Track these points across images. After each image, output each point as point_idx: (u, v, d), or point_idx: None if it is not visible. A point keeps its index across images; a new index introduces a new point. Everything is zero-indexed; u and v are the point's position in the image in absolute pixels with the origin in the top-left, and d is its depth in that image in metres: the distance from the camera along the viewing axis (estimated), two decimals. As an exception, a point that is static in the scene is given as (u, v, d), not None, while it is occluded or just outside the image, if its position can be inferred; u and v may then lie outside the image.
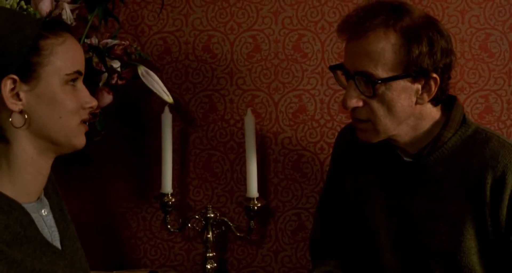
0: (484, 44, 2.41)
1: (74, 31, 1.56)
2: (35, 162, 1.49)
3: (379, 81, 1.73)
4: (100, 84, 2.16)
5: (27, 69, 1.43)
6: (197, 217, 2.45)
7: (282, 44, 2.48)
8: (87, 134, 1.57)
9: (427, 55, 1.73)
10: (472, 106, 2.43)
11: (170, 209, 2.43)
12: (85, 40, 2.16)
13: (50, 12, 2.02)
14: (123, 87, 2.23)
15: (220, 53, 2.50)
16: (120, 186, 2.59)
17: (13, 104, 1.43)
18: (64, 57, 1.48)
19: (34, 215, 1.49)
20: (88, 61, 2.05)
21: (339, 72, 1.89)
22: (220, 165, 2.56)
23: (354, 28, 1.77)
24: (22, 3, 1.93)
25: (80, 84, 1.53)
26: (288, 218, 2.55)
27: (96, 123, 2.19)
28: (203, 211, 2.45)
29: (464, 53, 2.41)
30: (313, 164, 2.52)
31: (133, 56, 2.25)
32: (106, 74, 2.16)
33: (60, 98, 1.47)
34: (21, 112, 1.44)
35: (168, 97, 2.18)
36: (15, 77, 1.42)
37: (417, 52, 1.72)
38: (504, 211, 1.77)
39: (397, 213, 1.89)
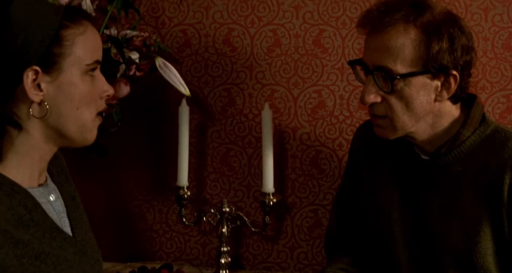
0: (507, 43, 2.38)
1: (94, 22, 1.55)
2: (41, 149, 1.49)
3: (398, 77, 1.72)
4: (118, 75, 2.15)
5: (49, 60, 1.43)
6: (212, 211, 2.44)
7: (303, 39, 2.46)
8: (102, 125, 1.57)
9: (447, 51, 1.71)
10: (493, 106, 2.40)
11: (185, 202, 2.43)
12: (104, 31, 2.16)
13: (70, 3, 2.02)
14: (141, 78, 2.23)
15: (240, 46, 2.49)
16: (136, 178, 2.60)
17: (34, 95, 1.42)
18: (84, 47, 1.47)
19: (41, 200, 1.49)
20: (106, 52, 2.05)
21: (358, 67, 1.88)
22: (237, 159, 2.55)
23: (374, 22, 1.76)
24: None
25: (97, 72, 1.53)
26: (305, 215, 2.54)
27: (113, 114, 2.19)
28: (218, 205, 2.44)
29: (486, 51, 2.38)
30: (331, 161, 2.50)
31: (152, 48, 2.25)
32: (124, 65, 2.16)
33: (80, 88, 1.47)
34: (40, 103, 1.44)
35: (185, 90, 2.17)
36: (37, 68, 1.41)
37: (437, 48, 1.70)
38: (522, 212, 1.75)
39: (412, 211, 1.87)
